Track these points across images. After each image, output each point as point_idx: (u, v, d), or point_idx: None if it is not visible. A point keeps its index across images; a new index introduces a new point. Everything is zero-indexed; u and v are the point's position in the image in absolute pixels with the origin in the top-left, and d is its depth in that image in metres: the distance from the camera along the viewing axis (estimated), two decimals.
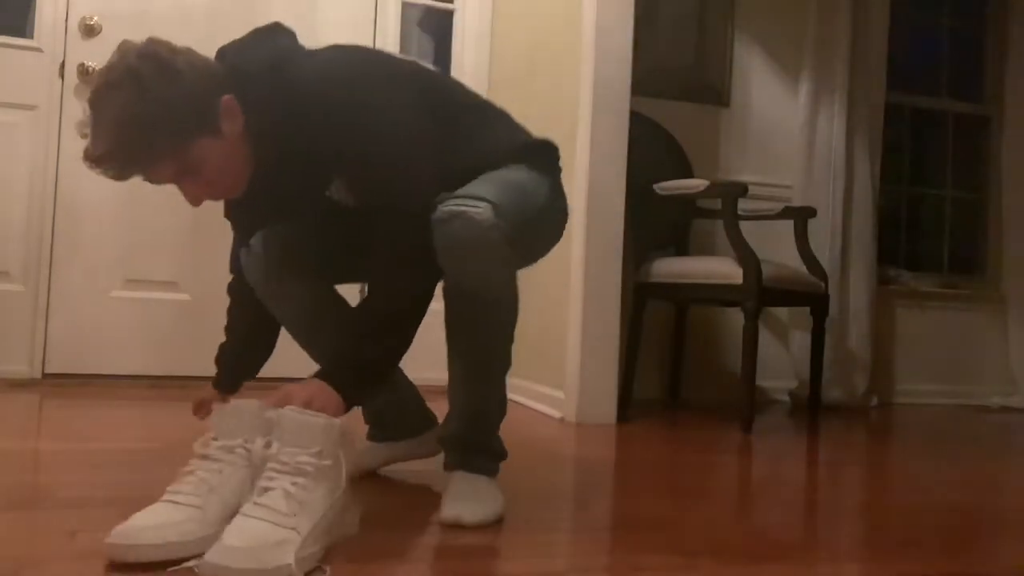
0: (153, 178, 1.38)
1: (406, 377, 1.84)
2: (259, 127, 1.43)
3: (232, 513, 1.17)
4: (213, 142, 1.38)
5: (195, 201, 1.44)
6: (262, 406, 1.27)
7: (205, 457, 1.25)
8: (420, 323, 1.44)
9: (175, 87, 1.32)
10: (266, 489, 1.16)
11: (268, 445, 1.22)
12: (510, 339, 1.54)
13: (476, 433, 1.57)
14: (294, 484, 1.16)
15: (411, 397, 1.85)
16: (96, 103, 1.32)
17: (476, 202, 1.38)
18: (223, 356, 1.80)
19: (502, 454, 1.60)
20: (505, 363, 1.56)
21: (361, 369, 1.39)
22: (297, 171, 1.51)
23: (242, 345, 1.80)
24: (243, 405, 1.27)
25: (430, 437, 1.78)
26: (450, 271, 1.42)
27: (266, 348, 1.82)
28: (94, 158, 1.31)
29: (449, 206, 1.38)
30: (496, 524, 1.45)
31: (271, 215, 1.68)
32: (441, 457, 1.63)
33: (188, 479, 1.22)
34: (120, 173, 1.35)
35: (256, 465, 1.23)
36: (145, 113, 1.30)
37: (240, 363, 1.80)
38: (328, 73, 1.45)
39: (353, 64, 1.49)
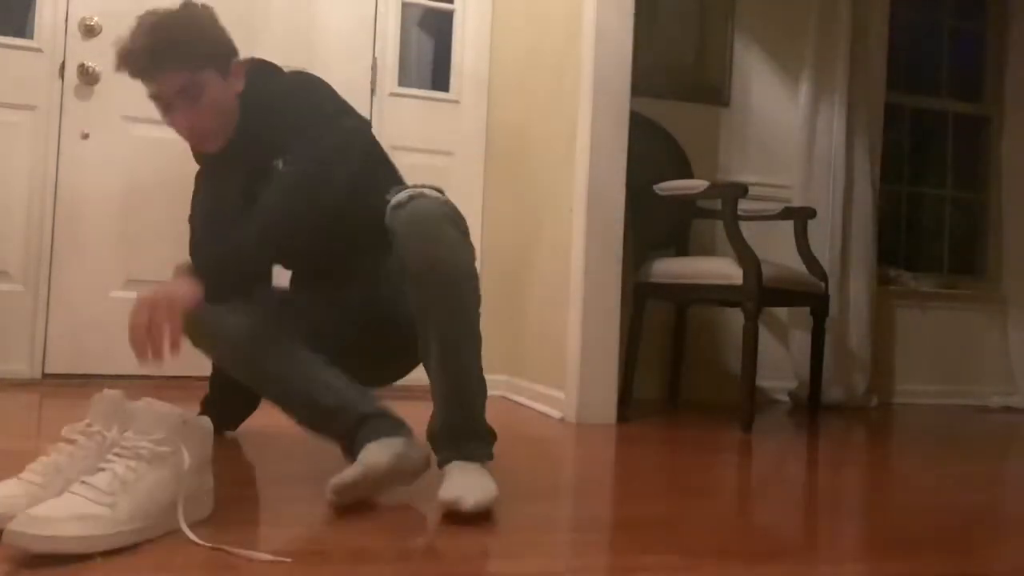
0: (162, 87, 1.60)
1: None
2: (248, 99, 1.72)
3: (145, 512, 1.23)
4: (219, 81, 1.67)
5: (184, 125, 1.64)
6: (124, 397, 1.35)
7: (69, 441, 1.31)
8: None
9: (211, 22, 1.68)
10: (99, 470, 1.22)
11: (123, 432, 1.30)
12: (478, 316, 1.57)
13: (464, 418, 1.57)
14: (126, 467, 1.22)
15: None
16: (144, 16, 1.62)
17: (429, 189, 1.51)
18: (207, 408, 1.97)
19: (492, 435, 1.61)
20: (479, 340, 1.57)
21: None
22: (261, 141, 1.70)
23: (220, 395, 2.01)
24: (108, 395, 1.34)
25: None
26: (418, 249, 1.46)
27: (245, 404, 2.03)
28: (126, 51, 1.58)
29: (406, 191, 1.49)
30: (494, 523, 1.44)
31: (231, 192, 1.78)
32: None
33: (42, 459, 1.29)
34: (142, 69, 1.59)
35: (108, 450, 1.29)
36: (182, 25, 1.61)
37: (222, 415, 1.96)
38: (307, 78, 1.83)
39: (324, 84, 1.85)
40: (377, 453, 1.47)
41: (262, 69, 1.79)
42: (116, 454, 1.25)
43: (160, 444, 1.26)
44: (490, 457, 1.59)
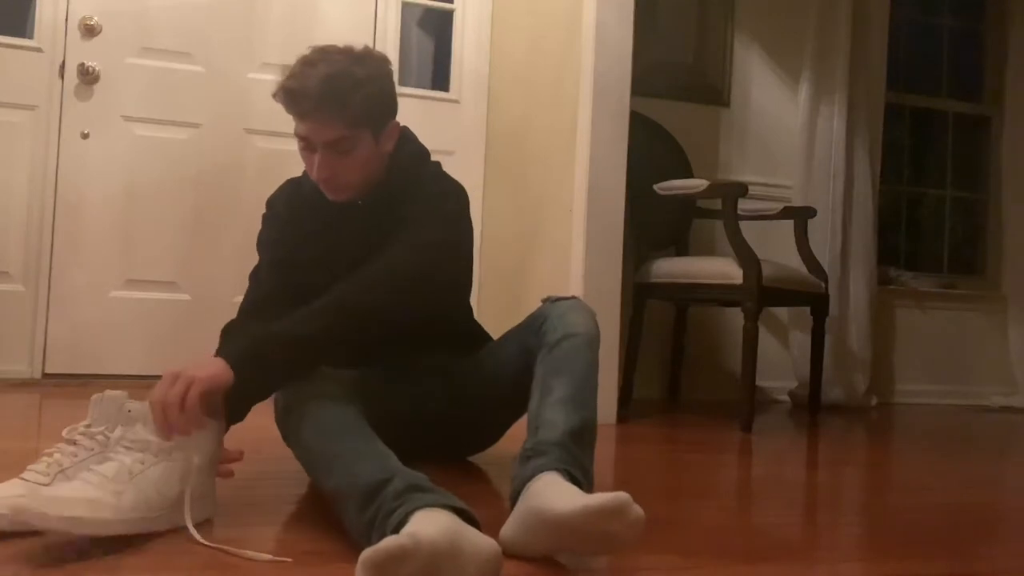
0: (319, 132, 1.54)
1: None
2: (394, 165, 1.69)
3: (147, 504, 1.24)
4: (371, 141, 1.61)
5: (324, 174, 1.58)
6: (126, 398, 1.33)
7: (70, 441, 1.30)
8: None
9: (388, 82, 1.62)
10: (107, 460, 1.25)
11: (126, 432, 1.30)
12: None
13: (578, 446, 1.39)
14: (134, 459, 1.25)
15: None
16: (325, 53, 1.56)
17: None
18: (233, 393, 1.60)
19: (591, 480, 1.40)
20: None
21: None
22: (388, 213, 1.66)
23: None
24: (111, 396, 1.33)
25: None
26: (576, 319, 1.57)
27: None
28: (292, 89, 1.52)
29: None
30: (494, 524, 1.44)
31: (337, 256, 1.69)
32: None
33: (44, 459, 1.28)
34: (301, 112, 1.54)
35: (111, 450, 1.29)
36: (359, 81, 1.54)
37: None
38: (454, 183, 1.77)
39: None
40: (429, 523, 1.10)
41: (414, 143, 1.80)
42: (125, 447, 1.27)
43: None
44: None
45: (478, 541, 1.10)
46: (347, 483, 1.24)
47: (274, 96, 1.58)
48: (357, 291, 1.51)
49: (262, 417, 1.51)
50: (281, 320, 1.45)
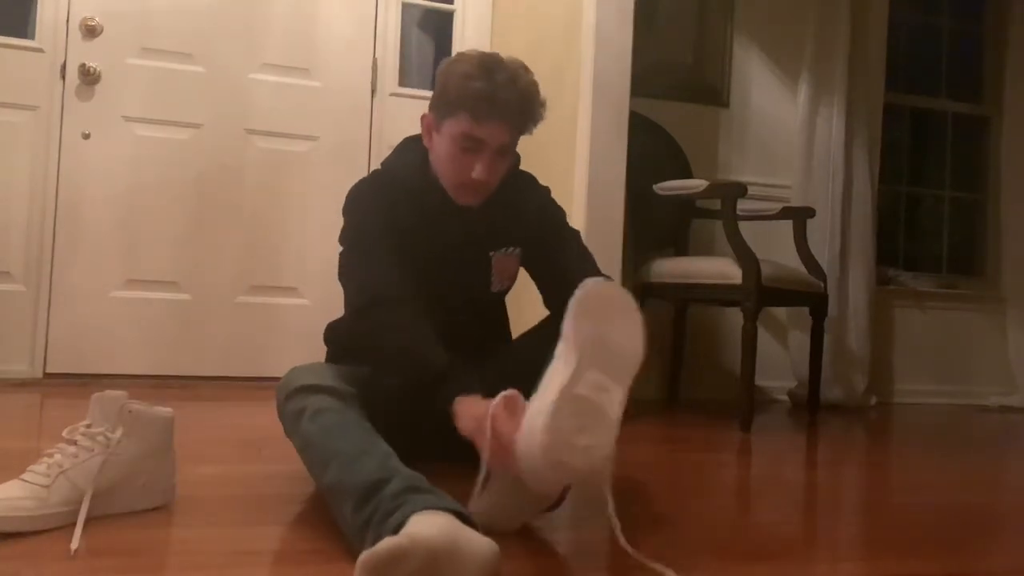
0: (498, 136, 1.59)
1: None
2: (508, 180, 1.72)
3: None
4: (515, 145, 1.68)
5: (486, 176, 1.61)
6: (126, 398, 1.34)
7: (70, 442, 1.31)
8: None
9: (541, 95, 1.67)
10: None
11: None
12: None
13: None
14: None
15: None
16: (492, 58, 1.62)
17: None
18: (447, 367, 1.48)
19: None
20: None
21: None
22: (492, 219, 1.71)
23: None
24: (111, 396, 1.34)
25: None
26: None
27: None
28: (492, 94, 1.56)
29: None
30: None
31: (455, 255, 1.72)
32: None
33: (45, 460, 1.29)
34: (500, 115, 1.58)
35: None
36: (536, 93, 1.64)
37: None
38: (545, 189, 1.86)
39: None
40: (427, 525, 1.10)
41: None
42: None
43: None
44: None
45: (476, 542, 1.10)
46: (345, 480, 1.24)
47: (446, 100, 1.61)
48: None
49: (263, 417, 1.52)
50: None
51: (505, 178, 1.71)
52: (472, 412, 1.36)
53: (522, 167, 1.83)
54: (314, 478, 1.36)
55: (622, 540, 1.21)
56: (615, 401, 1.23)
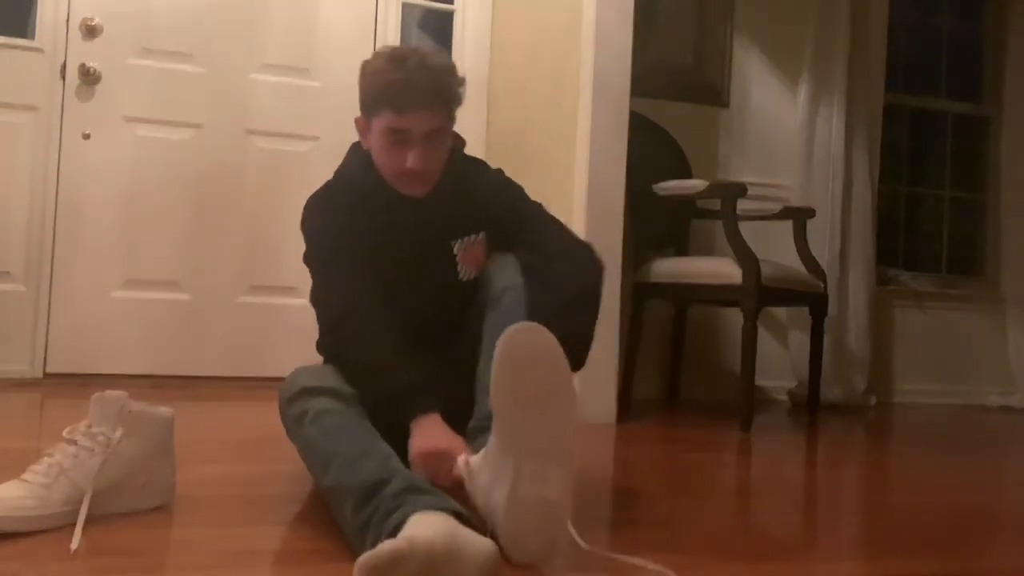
0: (423, 122, 1.61)
1: None
2: (454, 165, 1.75)
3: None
4: (450, 134, 1.72)
5: (421, 165, 1.62)
6: (127, 398, 1.35)
7: (71, 442, 1.31)
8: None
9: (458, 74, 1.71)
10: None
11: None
12: None
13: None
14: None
15: None
16: (400, 50, 1.66)
17: None
18: (407, 375, 1.51)
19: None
20: None
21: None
22: (447, 207, 1.72)
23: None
24: (111, 396, 1.34)
25: None
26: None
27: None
28: (402, 81, 1.58)
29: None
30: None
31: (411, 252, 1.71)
32: None
33: (45, 460, 1.30)
34: (411, 102, 1.59)
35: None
36: (453, 71, 1.69)
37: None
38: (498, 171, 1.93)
39: None
40: (426, 526, 1.10)
41: (457, 137, 1.86)
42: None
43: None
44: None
45: (475, 543, 1.10)
46: (346, 480, 1.24)
47: (366, 100, 1.63)
48: (584, 282, 1.69)
49: (263, 417, 1.52)
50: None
51: (452, 167, 1.73)
52: (427, 437, 1.41)
53: (522, 167, 1.84)
54: (315, 480, 1.36)
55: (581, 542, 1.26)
56: (558, 487, 1.26)
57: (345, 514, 1.22)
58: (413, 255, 1.68)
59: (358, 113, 1.74)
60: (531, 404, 1.25)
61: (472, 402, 1.58)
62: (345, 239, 1.65)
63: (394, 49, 1.68)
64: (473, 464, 1.32)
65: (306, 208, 1.73)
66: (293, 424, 1.43)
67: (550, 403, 1.26)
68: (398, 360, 1.50)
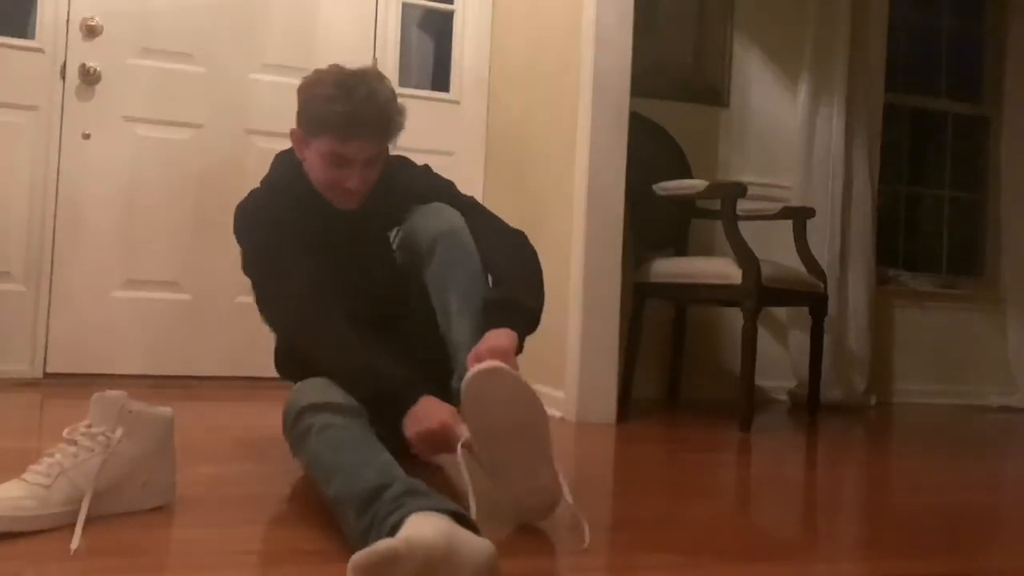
0: (365, 150, 1.65)
1: None
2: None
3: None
4: (385, 154, 1.74)
5: (359, 186, 1.67)
6: (126, 398, 1.35)
7: (71, 442, 1.31)
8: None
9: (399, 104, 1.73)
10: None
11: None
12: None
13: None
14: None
15: None
16: (348, 77, 1.65)
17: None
18: (388, 372, 1.55)
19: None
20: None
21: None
22: (376, 214, 1.78)
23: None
24: (111, 396, 1.34)
25: None
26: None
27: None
28: (349, 114, 1.61)
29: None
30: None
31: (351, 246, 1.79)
32: None
33: (45, 460, 1.30)
34: (360, 134, 1.63)
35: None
36: (393, 98, 1.70)
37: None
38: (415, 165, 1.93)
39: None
40: (424, 526, 1.10)
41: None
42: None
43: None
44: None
45: (474, 543, 1.09)
46: (347, 489, 1.25)
47: (310, 121, 1.65)
48: (525, 263, 1.73)
49: (263, 417, 1.52)
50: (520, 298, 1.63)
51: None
52: (422, 419, 1.47)
53: (522, 167, 1.86)
54: (321, 492, 1.36)
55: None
56: (547, 475, 1.44)
57: (349, 522, 1.23)
58: (351, 253, 1.76)
59: None
60: (507, 435, 1.38)
61: (441, 361, 1.66)
62: (287, 245, 1.69)
63: (341, 74, 1.68)
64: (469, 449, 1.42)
65: (239, 218, 1.77)
66: (298, 441, 1.43)
67: (524, 431, 1.39)
68: (374, 358, 1.54)
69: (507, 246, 1.75)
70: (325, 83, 1.65)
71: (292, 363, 1.84)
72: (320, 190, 1.72)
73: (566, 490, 1.41)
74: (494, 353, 1.46)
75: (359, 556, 1.00)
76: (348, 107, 1.61)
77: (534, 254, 1.77)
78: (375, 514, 1.17)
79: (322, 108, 1.63)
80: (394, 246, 1.84)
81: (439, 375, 1.65)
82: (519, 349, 1.57)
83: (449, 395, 1.57)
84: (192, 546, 1.26)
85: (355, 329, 1.58)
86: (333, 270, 1.71)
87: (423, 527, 1.08)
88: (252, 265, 1.72)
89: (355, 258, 1.77)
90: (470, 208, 1.81)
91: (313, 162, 1.70)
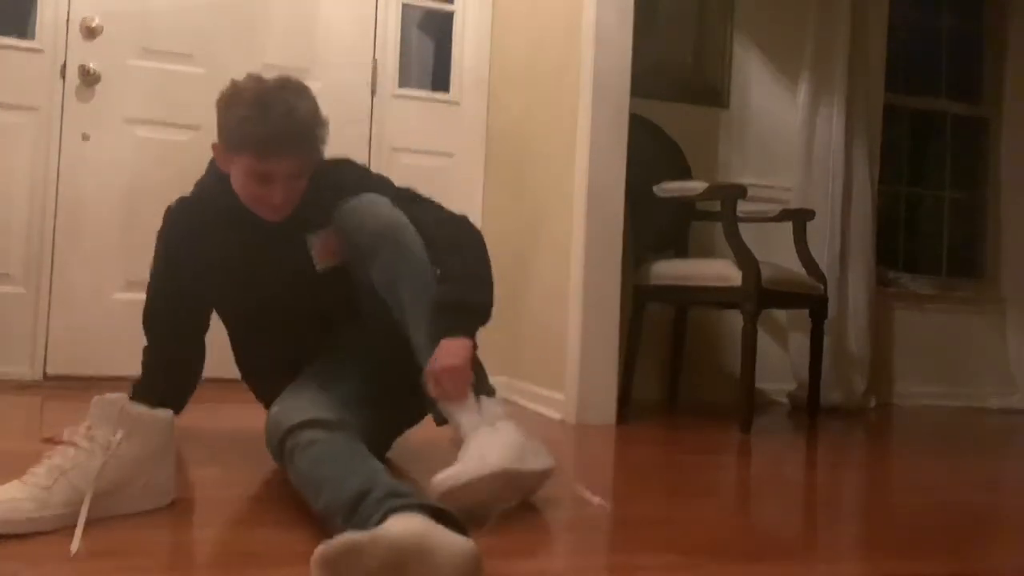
0: (286, 167, 1.62)
1: None
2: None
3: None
4: (309, 167, 1.70)
5: (283, 201, 1.65)
6: (127, 400, 1.36)
7: (71, 444, 1.32)
8: None
9: (322, 116, 1.70)
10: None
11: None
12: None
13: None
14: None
15: None
16: (266, 94, 1.63)
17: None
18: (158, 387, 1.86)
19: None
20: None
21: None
22: (301, 223, 1.75)
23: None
24: (111, 398, 1.35)
25: None
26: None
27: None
28: (265, 134, 1.58)
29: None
30: (494, 522, 1.45)
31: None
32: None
33: (45, 462, 1.30)
34: (278, 152, 1.60)
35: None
36: (313, 112, 1.66)
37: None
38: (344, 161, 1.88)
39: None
40: (399, 524, 1.09)
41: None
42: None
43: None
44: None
45: (453, 541, 1.07)
46: (334, 499, 1.25)
47: (229, 140, 1.64)
48: (470, 253, 1.71)
49: (263, 418, 1.52)
50: (454, 287, 1.62)
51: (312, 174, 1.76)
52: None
53: (523, 167, 1.86)
54: (311, 506, 1.35)
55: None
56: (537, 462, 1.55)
57: (337, 531, 1.21)
58: (274, 262, 1.76)
59: (357, 113, 1.77)
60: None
61: (406, 355, 1.65)
62: (185, 265, 1.81)
63: (258, 89, 1.65)
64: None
65: (163, 221, 1.87)
66: (287, 462, 1.43)
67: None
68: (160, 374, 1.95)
69: (450, 236, 1.71)
70: (242, 101, 1.62)
71: (244, 371, 2.05)
72: (245, 203, 1.70)
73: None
74: (451, 376, 1.54)
75: (321, 548, 1.00)
76: (266, 128, 1.58)
77: (479, 239, 1.74)
78: (359, 518, 1.16)
79: (240, 128, 1.61)
80: (311, 248, 1.78)
81: (407, 369, 1.64)
82: (474, 348, 1.61)
83: (418, 388, 1.60)
84: (192, 547, 1.26)
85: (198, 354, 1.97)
86: (250, 283, 1.75)
87: (395, 524, 1.07)
88: (152, 269, 1.89)
89: (278, 267, 1.76)
90: (409, 201, 1.77)
91: (236, 177, 1.68)
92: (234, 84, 1.69)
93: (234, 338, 1.98)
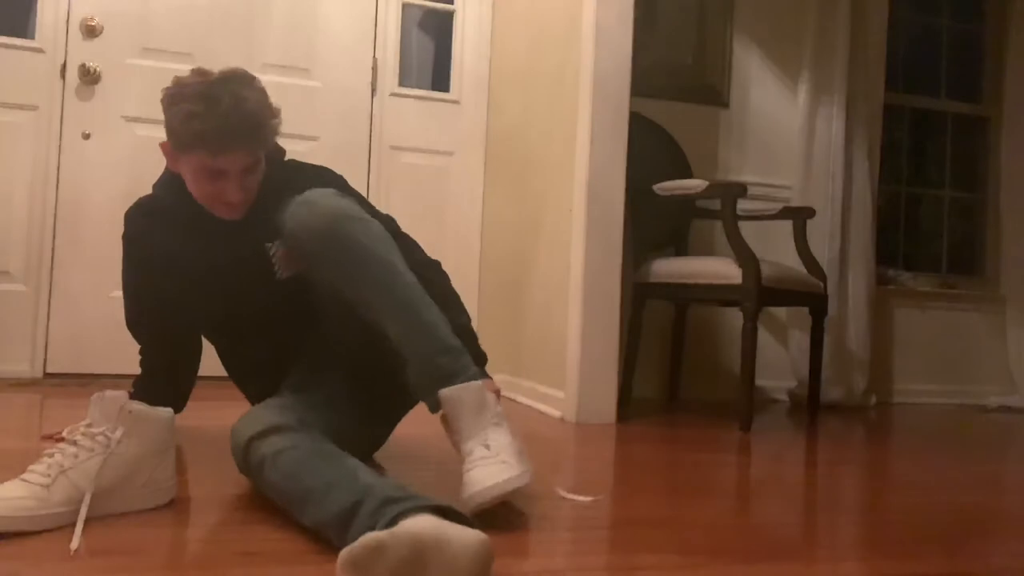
0: (238, 162, 1.58)
1: None
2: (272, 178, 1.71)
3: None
4: (261, 160, 1.65)
5: (236, 198, 1.62)
6: (126, 397, 1.35)
7: (71, 442, 1.32)
8: None
9: (268, 98, 1.63)
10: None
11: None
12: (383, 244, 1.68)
13: (429, 339, 1.55)
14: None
15: None
16: (211, 86, 1.56)
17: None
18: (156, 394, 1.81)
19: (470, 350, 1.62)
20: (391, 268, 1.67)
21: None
22: (263, 220, 1.69)
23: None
24: (111, 396, 1.35)
25: None
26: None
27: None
28: (212, 130, 1.53)
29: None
30: (494, 522, 1.45)
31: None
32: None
33: (45, 460, 1.30)
34: (227, 147, 1.55)
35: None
36: (261, 104, 1.59)
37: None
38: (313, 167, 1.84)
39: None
40: (413, 522, 1.10)
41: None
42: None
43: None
44: (478, 370, 1.58)
45: (465, 534, 1.08)
46: (322, 517, 1.24)
47: (177, 138, 1.59)
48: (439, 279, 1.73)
49: None
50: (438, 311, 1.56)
51: (269, 176, 1.71)
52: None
53: (523, 167, 1.85)
54: (299, 522, 1.33)
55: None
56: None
57: (334, 543, 1.22)
58: (230, 261, 1.72)
59: (359, 113, 1.75)
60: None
61: (379, 354, 1.59)
62: (151, 265, 1.83)
63: (203, 83, 1.58)
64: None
65: (125, 222, 1.91)
66: (257, 476, 1.40)
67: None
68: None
69: (441, 285, 1.72)
70: (187, 96, 1.57)
71: (230, 374, 2.02)
72: (201, 203, 1.67)
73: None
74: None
75: (346, 551, 1.02)
76: (214, 122, 1.53)
77: (451, 287, 1.78)
78: (356, 533, 1.14)
79: (187, 125, 1.55)
80: (273, 256, 1.73)
81: (384, 367, 1.61)
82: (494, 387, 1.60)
83: (396, 384, 1.59)
84: (192, 546, 1.26)
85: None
86: (216, 287, 1.73)
87: (411, 524, 1.09)
88: (122, 275, 1.97)
89: (242, 270, 1.72)
90: (392, 235, 1.67)
91: (187, 176, 1.64)
92: (177, 80, 1.63)
93: (213, 343, 1.96)
